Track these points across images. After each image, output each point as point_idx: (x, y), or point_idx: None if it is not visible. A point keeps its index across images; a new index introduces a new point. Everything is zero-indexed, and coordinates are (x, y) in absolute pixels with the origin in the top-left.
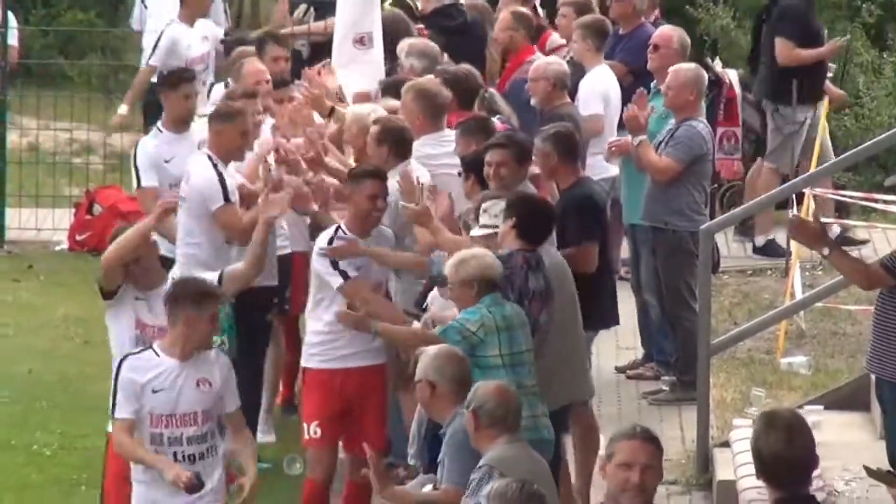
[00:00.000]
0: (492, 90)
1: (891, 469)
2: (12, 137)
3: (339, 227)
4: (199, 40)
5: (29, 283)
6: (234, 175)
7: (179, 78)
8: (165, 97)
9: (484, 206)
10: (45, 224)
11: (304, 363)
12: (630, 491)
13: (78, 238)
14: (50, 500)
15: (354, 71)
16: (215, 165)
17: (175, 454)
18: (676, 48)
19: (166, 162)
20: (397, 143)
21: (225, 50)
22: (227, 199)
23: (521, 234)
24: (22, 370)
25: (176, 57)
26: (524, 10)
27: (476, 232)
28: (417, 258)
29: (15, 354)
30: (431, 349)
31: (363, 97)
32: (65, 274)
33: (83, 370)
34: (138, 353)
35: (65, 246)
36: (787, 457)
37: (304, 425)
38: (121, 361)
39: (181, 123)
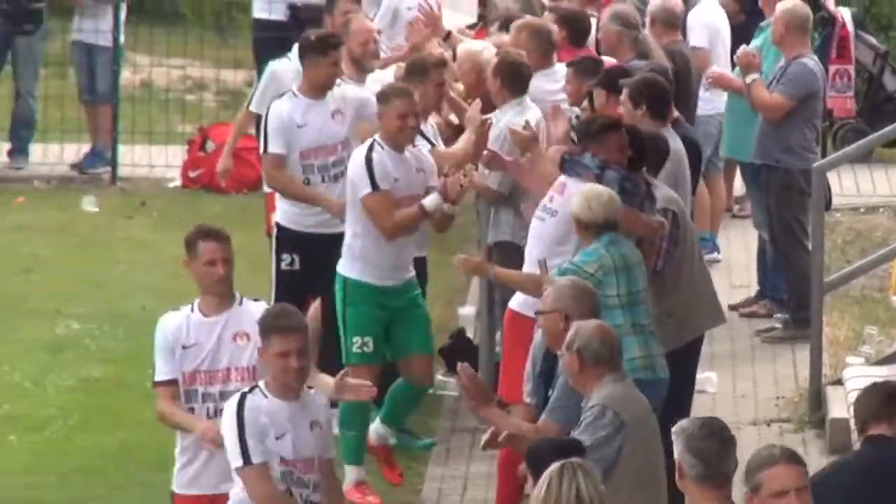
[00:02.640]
0: (646, 32)
1: None
2: (126, 74)
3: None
4: None
5: (142, 220)
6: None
7: (328, 44)
8: (313, 63)
9: None
10: (158, 161)
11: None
12: None
13: (191, 175)
14: (163, 437)
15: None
16: (370, 149)
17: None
18: None
19: (299, 127)
20: (512, 77)
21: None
22: (374, 186)
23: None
24: (135, 307)
25: None
26: None
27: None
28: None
29: (128, 291)
30: (566, 280)
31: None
32: (177, 211)
33: None
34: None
35: (178, 183)
36: None
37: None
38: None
39: (320, 90)
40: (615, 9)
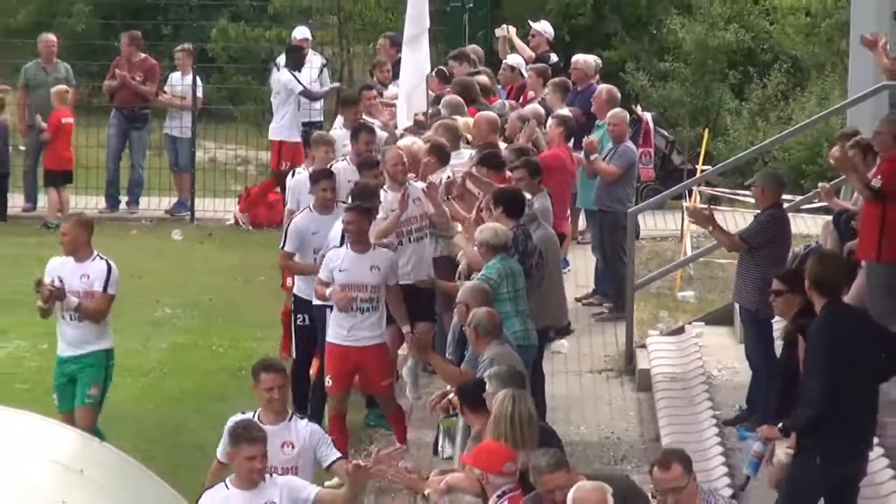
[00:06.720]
0: (539, 128)
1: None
2: (199, 154)
3: None
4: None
5: (209, 244)
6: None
7: (320, 177)
8: (313, 185)
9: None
10: (220, 208)
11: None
12: None
13: (240, 217)
14: (222, 382)
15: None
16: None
17: None
18: (605, 98)
19: (313, 234)
20: (440, 154)
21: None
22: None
23: (509, 214)
24: (204, 298)
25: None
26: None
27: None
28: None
29: (200, 289)
30: (469, 283)
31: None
32: (232, 239)
33: (244, 299)
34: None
35: (232, 222)
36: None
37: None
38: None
39: (325, 209)
40: (520, 111)
